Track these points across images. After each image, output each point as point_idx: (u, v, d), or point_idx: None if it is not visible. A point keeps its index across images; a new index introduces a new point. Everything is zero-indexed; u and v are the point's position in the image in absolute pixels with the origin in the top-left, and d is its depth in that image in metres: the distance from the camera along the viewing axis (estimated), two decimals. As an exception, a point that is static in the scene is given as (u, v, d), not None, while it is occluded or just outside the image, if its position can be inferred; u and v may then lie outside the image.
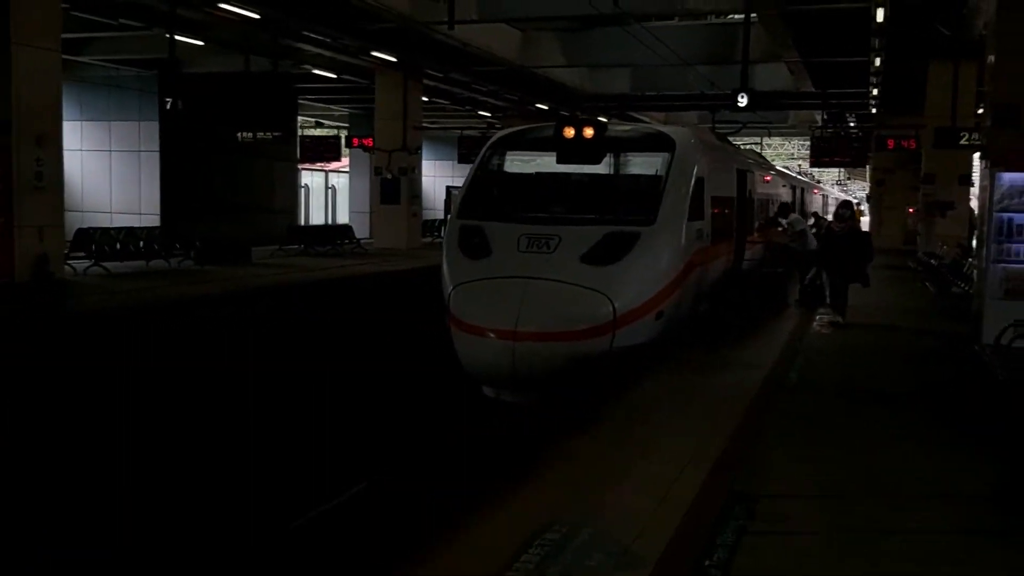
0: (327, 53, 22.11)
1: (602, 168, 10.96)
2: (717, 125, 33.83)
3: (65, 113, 26.27)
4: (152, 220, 24.04)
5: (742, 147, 34.62)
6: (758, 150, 45.91)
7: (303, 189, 39.22)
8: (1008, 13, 9.86)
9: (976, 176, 20.30)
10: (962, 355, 9.13)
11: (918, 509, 5.06)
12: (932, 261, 18.10)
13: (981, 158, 10.55)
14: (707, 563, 4.16)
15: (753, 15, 21.94)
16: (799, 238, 14.89)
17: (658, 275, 9.86)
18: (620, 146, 11.12)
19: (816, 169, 65.83)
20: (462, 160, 26.85)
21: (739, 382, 8.30)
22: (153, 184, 25.35)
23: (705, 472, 5.44)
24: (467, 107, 32.82)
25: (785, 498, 5.25)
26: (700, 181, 11.31)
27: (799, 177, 32.51)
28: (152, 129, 24.92)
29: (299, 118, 30.20)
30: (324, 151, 26.17)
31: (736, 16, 24.38)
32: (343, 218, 39.81)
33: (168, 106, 14.91)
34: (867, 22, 16.88)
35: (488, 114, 34.01)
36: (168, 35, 15.18)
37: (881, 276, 21.34)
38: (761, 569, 4.20)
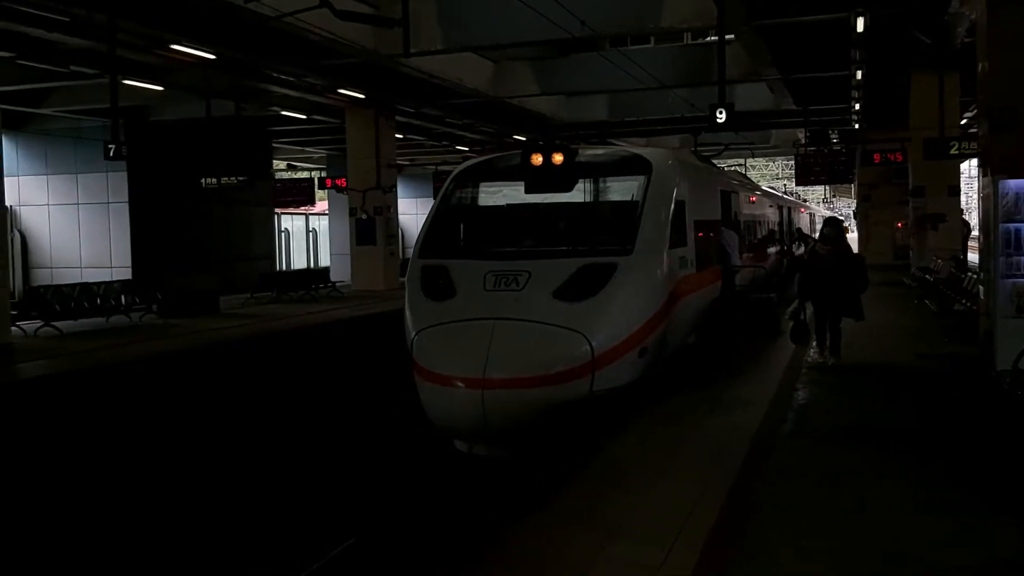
0: (294, 93, 21.46)
1: (574, 196, 10.24)
2: (699, 147, 33.45)
3: (30, 167, 26.02)
4: (124, 273, 23.26)
5: (726, 168, 34.47)
6: (742, 171, 45.65)
7: (283, 234, 38.48)
8: (999, 14, 9.21)
9: (967, 186, 19.78)
10: (978, 383, 8.35)
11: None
12: (928, 276, 17.36)
13: (980, 166, 9.84)
14: None
15: (730, 35, 21.69)
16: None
17: (639, 308, 9.07)
18: (592, 171, 10.39)
19: (801, 188, 65.71)
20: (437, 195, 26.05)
21: (731, 428, 7.43)
22: (124, 236, 24.61)
23: (694, 558, 4.54)
24: (444, 142, 32.20)
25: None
26: (680, 205, 10.61)
27: (785, 196, 31.94)
28: (120, 180, 24.23)
29: (274, 161, 29.57)
30: (297, 194, 25.42)
31: (714, 36, 24.06)
32: (325, 261, 39.05)
33: (112, 153, 14.08)
34: (847, 34, 16.33)
35: (466, 148, 33.41)
36: (111, 78, 14.39)
37: (876, 294, 20.59)
38: None
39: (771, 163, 65.92)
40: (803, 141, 29.33)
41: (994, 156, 8.88)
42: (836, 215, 34.28)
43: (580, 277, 8.97)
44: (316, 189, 26.86)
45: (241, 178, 17.84)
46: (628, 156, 10.69)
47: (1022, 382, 6.45)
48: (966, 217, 26.17)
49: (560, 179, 10.27)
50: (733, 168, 43.46)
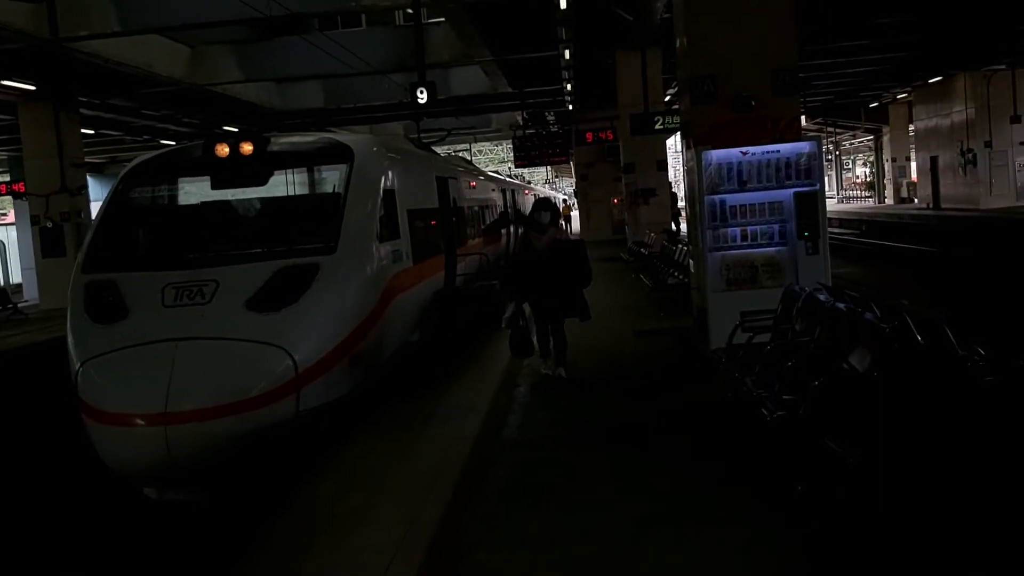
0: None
1: (268, 191, 9.11)
2: (422, 134, 33.01)
3: None
4: None
5: (451, 154, 34.35)
6: (467, 156, 45.92)
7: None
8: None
9: (677, 161, 20.71)
10: (696, 362, 8.23)
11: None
12: (643, 250, 17.84)
13: (683, 138, 9.83)
14: None
15: (440, 18, 21.30)
16: None
17: (348, 313, 8.15)
18: (288, 162, 9.29)
19: (528, 170, 67.74)
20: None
21: (448, 443, 6.66)
22: None
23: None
24: (145, 136, 29.39)
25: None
26: (390, 194, 9.81)
27: (508, 180, 32.27)
28: None
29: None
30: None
31: (434, 20, 23.68)
32: (17, 277, 34.56)
33: None
34: (552, 12, 16.29)
35: (172, 142, 30.71)
36: None
37: (596, 270, 21.10)
38: None
39: (497, 147, 67.31)
40: (519, 124, 29.61)
41: (696, 127, 8.83)
42: (551, 196, 35.15)
43: (277, 283, 7.90)
44: (-2, 196, 23.44)
45: None
46: (327, 144, 9.68)
47: (737, 359, 6.22)
48: (675, 190, 27.58)
49: (250, 172, 9.12)
50: (459, 154, 43.77)
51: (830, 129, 53.44)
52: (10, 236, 37.58)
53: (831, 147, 58.10)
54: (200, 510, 7.30)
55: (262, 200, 9.10)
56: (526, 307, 9.25)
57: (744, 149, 8.54)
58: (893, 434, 4.09)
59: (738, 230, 8.68)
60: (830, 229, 9.09)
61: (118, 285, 7.88)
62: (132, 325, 7.48)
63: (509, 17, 18.60)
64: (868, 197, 55.36)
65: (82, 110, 22.95)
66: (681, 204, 22.74)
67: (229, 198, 9.09)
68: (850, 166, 69.95)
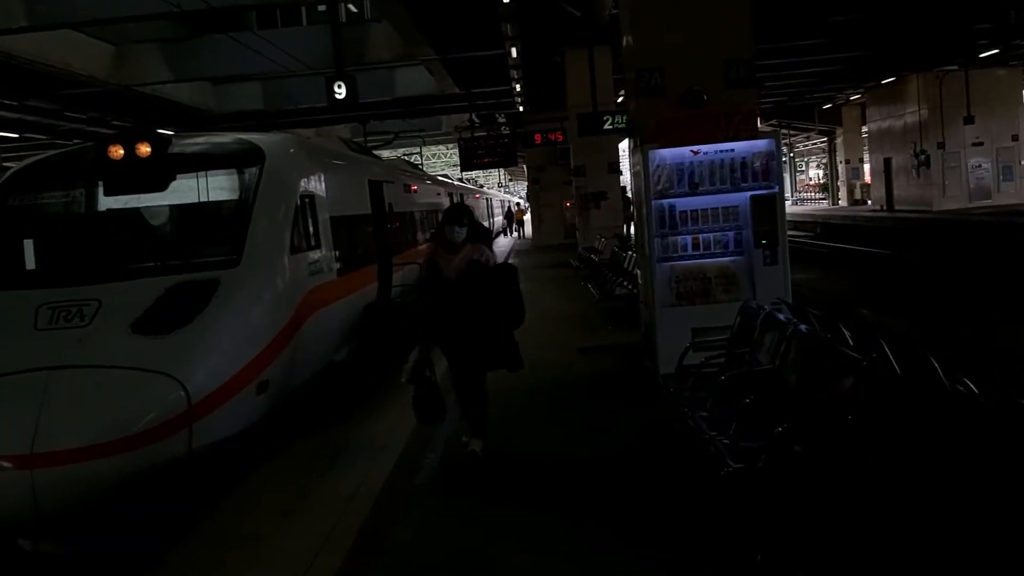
0: None
1: (167, 197, 8.11)
2: (369, 136, 31.99)
3: None
4: None
5: (399, 158, 33.37)
6: (419, 161, 44.94)
7: None
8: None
9: (625, 163, 20.00)
10: (643, 387, 7.38)
11: None
12: (593, 256, 17.03)
13: (630, 137, 9.00)
14: None
15: (377, 17, 20.39)
16: None
17: (253, 333, 7.21)
18: (191, 164, 8.30)
19: (483, 173, 66.86)
20: None
21: (351, 491, 5.71)
22: None
23: None
24: (75, 140, 27.93)
25: None
26: (309, 200, 8.90)
27: (457, 183, 31.43)
28: None
29: None
30: None
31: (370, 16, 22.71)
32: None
33: None
34: (495, 7, 15.45)
35: (104, 146, 29.22)
36: None
37: (542, 278, 20.24)
38: None
39: (450, 150, 66.28)
40: (466, 125, 28.76)
41: (643, 124, 7.98)
42: (506, 200, 34.39)
43: (169, 301, 6.95)
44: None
45: None
46: (236, 145, 8.71)
47: (686, 388, 5.39)
48: (628, 194, 26.89)
49: (149, 176, 8.14)
50: (410, 158, 42.75)
51: (784, 131, 53.33)
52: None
53: (784, 149, 58.00)
54: (78, 563, 6.31)
55: (159, 208, 8.09)
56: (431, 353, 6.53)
57: (695, 148, 7.71)
58: (880, 494, 3.28)
59: (689, 238, 7.81)
60: (785, 232, 8.30)
61: (-21, 306, 6.88)
62: (-4, 352, 6.47)
63: (451, 13, 17.74)
64: (822, 199, 55.38)
65: (1, 112, 21.68)
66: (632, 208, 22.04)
67: (122, 206, 8.07)
68: (803, 168, 70.13)
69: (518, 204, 55.41)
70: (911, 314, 11.52)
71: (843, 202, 48.57)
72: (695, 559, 4.09)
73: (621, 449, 6.09)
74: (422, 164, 42.09)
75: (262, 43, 17.63)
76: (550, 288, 15.91)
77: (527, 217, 46.45)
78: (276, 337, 7.48)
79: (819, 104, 43.53)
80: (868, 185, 44.09)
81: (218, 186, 8.19)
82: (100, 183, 8.12)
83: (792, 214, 40.64)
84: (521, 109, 29.62)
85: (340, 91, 10.24)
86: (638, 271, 9.27)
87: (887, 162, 37.07)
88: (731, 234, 7.83)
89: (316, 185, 9.30)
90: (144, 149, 8.11)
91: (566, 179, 29.30)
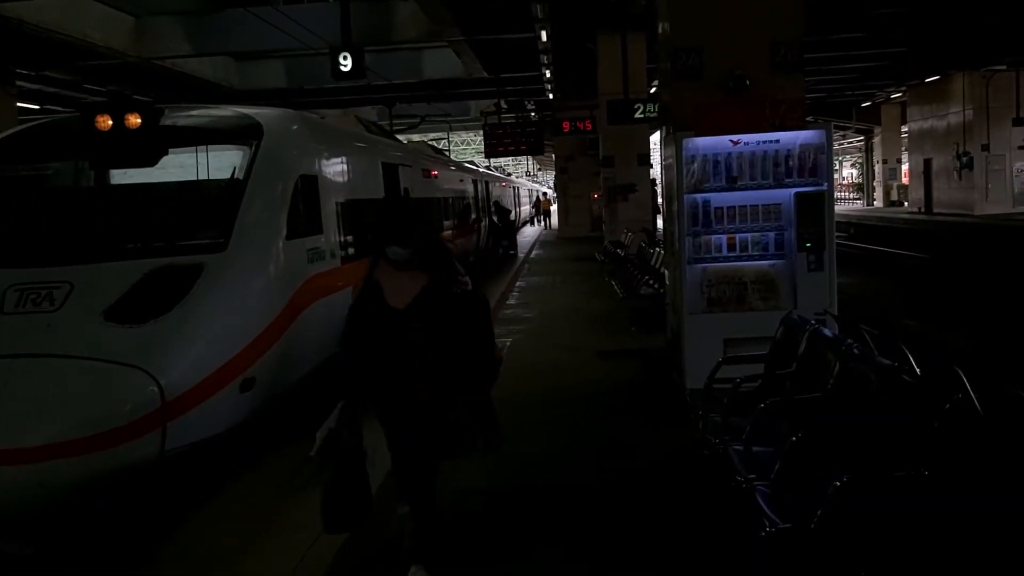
0: None
1: (153, 174, 7.46)
2: (395, 120, 31.33)
3: None
4: None
5: (425, 143, 32.68)
6: (447, 146, 44.26)
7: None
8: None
9: (656, 152, 19.20)
10: (667, 402, 6.64)
11: None
12: (618, 251, 16.25)
13: (663, 124, 8.23)
14: None
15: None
16: None
17: (238, 325, 6.55)
18: (184, 138, 7.64)
19: (512, 161, 66.00)
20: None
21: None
22: None
23: None
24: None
25: None
26: (310, 181, 8.23)
27: (483, 170, 30.69)
28: None
29: None
30: None
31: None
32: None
33: None
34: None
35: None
36: None
37: (564, 270, 19.51)
38: None
39: (478, 136, 65.56)
40: (492, 110, 28.07)
41: (677, 110, 7.19)
42: (533, 188, 33.63)
43: (147, 287, 6.30)
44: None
45: None
46: (232, 119, 8.06)
47: (718, 414, 4.65)
48: (657, 187, 26.10)
49: (137, 149, 7.45)
50: (438, 143, 42.05)
51: (821, 129, 52.09)
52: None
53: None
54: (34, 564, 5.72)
55: (144, 186, 7.45)
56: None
57: (735, 138, 6.92)
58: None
59: (724, 238, 6.99)
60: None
61: (-58, 287, 6.26)
62: (-47, 339, 5.87)
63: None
64: (856, 199, 54.12)
65: (20, 83, 21.23)
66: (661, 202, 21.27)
67: (103, 182, 7.44)
68: (838, 167, 68.79)
69: (544, 194, 54.64)
70: (965, 329, 10.65)
71: (878, 203, 47.35)
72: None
73: (640, 476, 5.33)
74: (450, 151, 41.43)
75: (286, 19, 16.99)
76: (572, 283, 15.17)
77: (554, 208, 45.69)
78: (266, 330, 6.82)
79: (858, 102, 42.34)
80: (905, 186, 42.88)
81: (209, 163, 7.52)
82: (83, 156, 7.50)
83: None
84: (551, 96, 28.85)
85: (346, 63, 9.51)
86: (665, 270, 8.50)
87: (927, 163, 35.93)
88: (772, 235, 7.02)
89: (320, 166, 8.65)
90: (134, 120, 7.43)
91: (595, 170, 28.59)
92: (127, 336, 5.89)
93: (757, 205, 7.02)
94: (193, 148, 7.57)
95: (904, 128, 41.96)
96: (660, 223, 21.65)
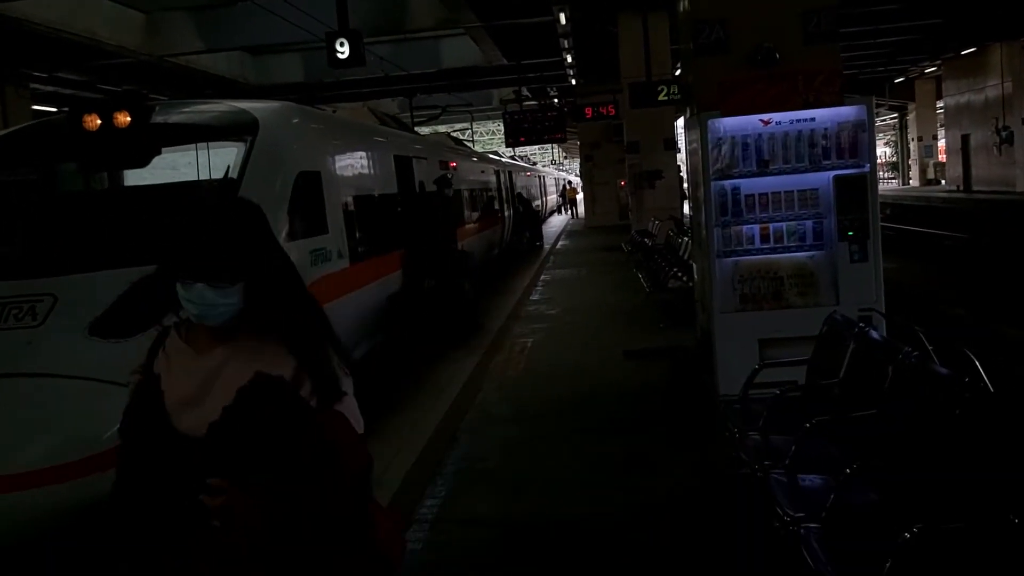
0: None
1: (143, 176, 7.04)
2: (415, 111, 30.84)
3: None
4: None
5: (448, 134, 32.14)
6: (470, 136, 43.73)
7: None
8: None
9: (682, 140, 18.53)
10: (698, 410, 6.08)
11: None
12: (645, 241, 15.64)
13: (687, 105, 7.64)
14: None
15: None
16: None
17: None
18: (175, 136, 7.20)
19: (538, 149, 65.34)
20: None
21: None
22: None
23: None
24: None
25: None
26: (312, 178, 7.76)
27: (507, 161, 30.10)
28: None
29: None
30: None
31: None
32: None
33: None
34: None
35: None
36: None
37: (590, 261, 18.89)
38: None
39: (501, 126, 64.94)
40: (512, 98, 27.48)
41: (701, 88, 6.60)
42: (557, 176, 33.00)
43: (134, 298, 5.81)
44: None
45: None
46: (225, 114, 7.60)
47: (751, 425, 4.10)
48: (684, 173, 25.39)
49: (128, 149, 7.03)
50: (462, 133, 41.53)
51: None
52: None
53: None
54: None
55: (132, 189, 7.04)
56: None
57: (766, 117, 6.30)
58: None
59: (757, 228, 6.36)
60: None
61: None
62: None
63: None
64: (891, 178, 52.81)
65: (35, 85, 21.02)
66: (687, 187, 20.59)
67: (87, 185, 7.03)
68: (870, 146, 67.32)
69: (570, 182, 53.99)
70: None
71: (914, 182, 46.12)
72: None
73: (672, 513, 4.70)
74: (473, 141, 40.90)
75: (297, 12, 16.53)
76: (598, 275, 14.57)
77: (579, 196, 45.03)
78: (263, 340, 6.35)
79: (891, 78, 41.12)
80: (942, 164, 41.66)
81: (202, 161, 7.06)
82: (71, 158, 7.10)
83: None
84: (573, 82, 28.19)
85: (343, 49, 8.98)
86: (693, 265, 7.93)
87: (965, 139, 34.77)
88: (809, 223, 6.38)
89: (324, 161, 8.18)
90: (123, 119, 7.00)
91: (620, 157, 27.95)
92: (113, 352, 5.43)
93: (792, 191, 6.38)
94: (184, 146, 7.13)
95: (939, 103, 40.73)
96: (687, 209, 21.06)
